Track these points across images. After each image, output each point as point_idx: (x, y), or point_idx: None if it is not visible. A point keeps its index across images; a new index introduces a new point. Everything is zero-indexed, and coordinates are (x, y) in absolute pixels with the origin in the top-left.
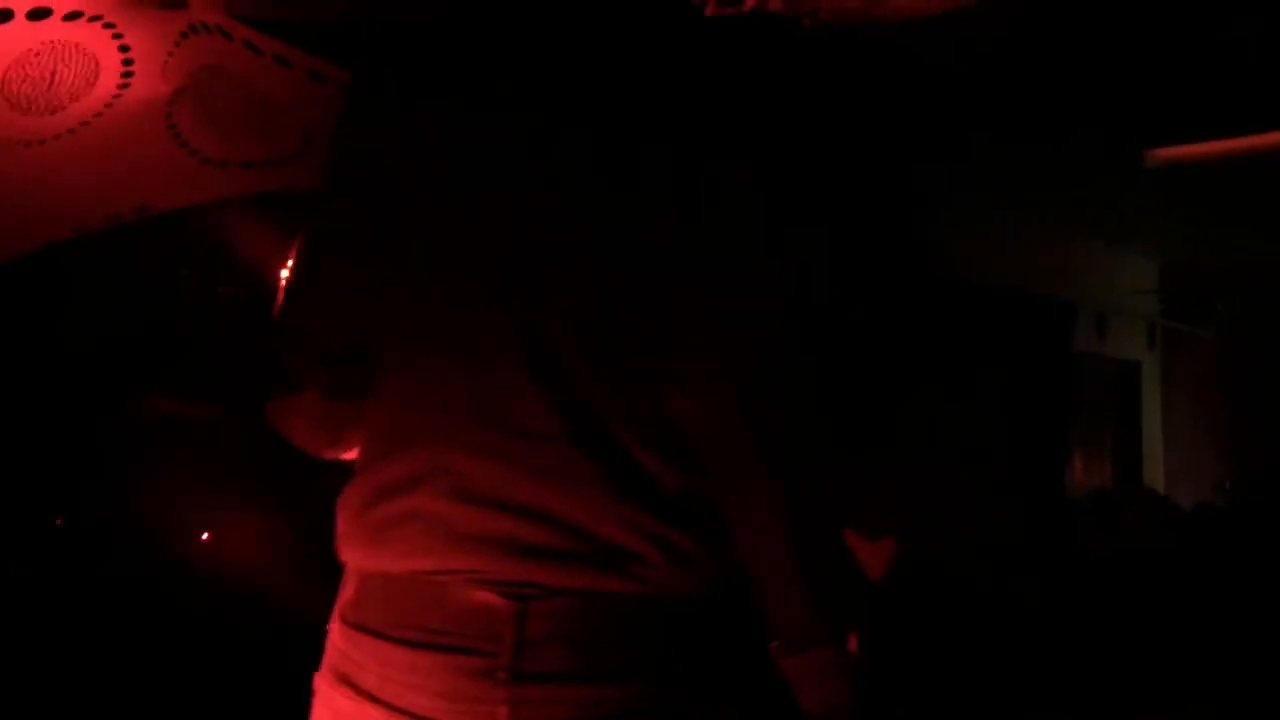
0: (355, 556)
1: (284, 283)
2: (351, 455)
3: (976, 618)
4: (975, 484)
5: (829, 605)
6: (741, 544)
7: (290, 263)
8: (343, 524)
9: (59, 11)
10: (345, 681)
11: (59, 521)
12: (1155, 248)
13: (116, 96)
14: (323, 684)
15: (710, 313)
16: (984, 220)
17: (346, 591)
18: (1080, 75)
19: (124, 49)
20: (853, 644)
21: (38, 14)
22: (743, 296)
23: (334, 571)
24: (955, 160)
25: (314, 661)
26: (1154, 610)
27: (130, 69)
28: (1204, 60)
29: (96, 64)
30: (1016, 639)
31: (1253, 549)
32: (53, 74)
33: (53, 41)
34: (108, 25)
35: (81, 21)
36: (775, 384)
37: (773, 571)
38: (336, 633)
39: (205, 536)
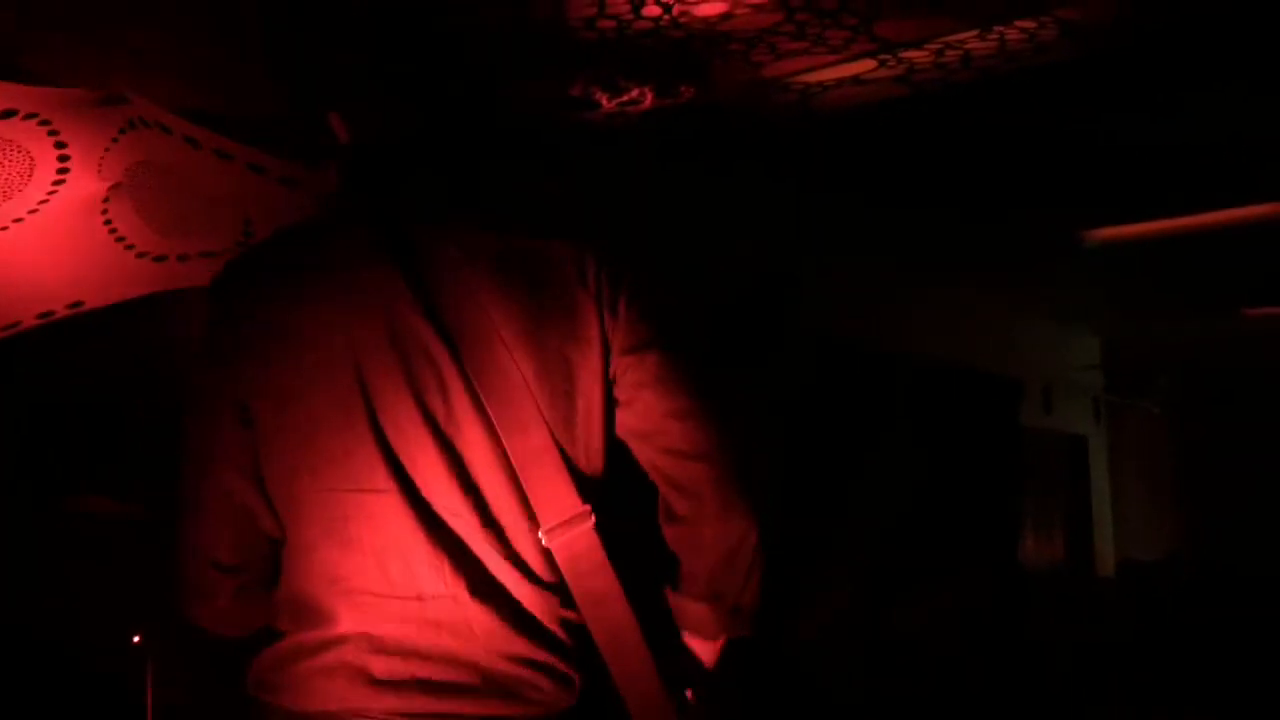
0: (277, 699)
1: (180, 503)
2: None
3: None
4: (926, 561)
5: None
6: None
7: (180, 484)
8: (262, 675)
9: None
10: None
11: None
12: (1098, 324)
13: (51, 192)
14: None
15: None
16: (932, 297)
17: None
18: (1021, 159)
19: (60, 145)
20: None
21: None
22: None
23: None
24: (907, 240)
25: None
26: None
27: (66, 165)
28: (1139, 145)
29: (31, 161)
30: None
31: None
32: None
33: None
34: (43, 122)
35: (16, 119)
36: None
37: (632, 681)
38: None
39: (137, 639)
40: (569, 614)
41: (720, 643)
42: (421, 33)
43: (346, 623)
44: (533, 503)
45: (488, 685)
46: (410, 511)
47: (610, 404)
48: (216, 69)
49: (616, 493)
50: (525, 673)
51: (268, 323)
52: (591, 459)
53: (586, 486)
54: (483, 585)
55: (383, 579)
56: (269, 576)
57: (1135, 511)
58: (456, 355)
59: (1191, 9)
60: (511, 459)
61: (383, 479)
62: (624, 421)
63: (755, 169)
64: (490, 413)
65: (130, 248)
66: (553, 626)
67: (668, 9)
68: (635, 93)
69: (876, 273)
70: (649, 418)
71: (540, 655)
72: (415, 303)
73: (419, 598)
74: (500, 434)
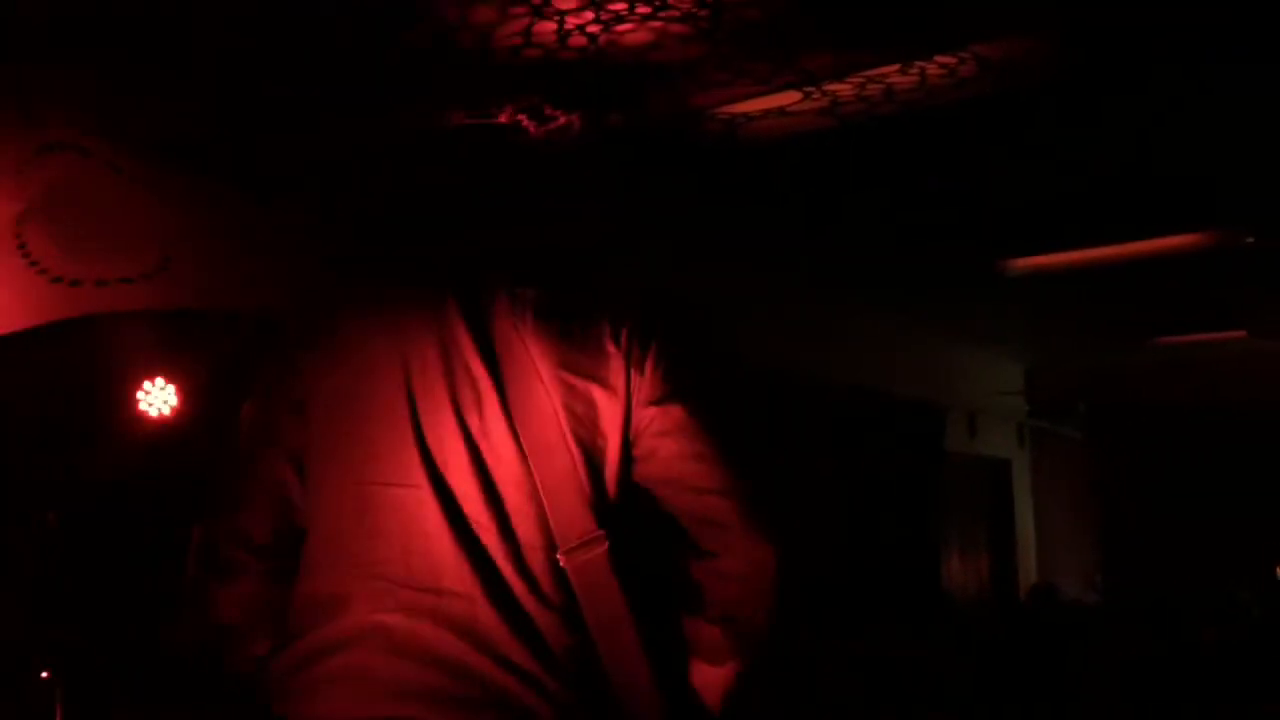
0: (290, 708)
1: (216, 477)
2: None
3: None
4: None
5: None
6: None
7: (220, 458)
8: (276, 683)
9: None
10: None
11: None
12: (1021, 351)
13: None
14: None
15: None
16: (857, 326)
17: None
18: (944, 190)
19: None
20: None
21: None
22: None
23: None
24: (833, 269)
25: None
26: None
27: None
28: (1058, 176)
29: None
30: None
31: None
32: None
33: None
34: None
35: None
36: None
37: (636, 705)
38: None
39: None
40: (573, 639)
41: (728, 670)
42: (344, 62)
43: (363, 610)
44: (552, 523)
45: (486, 696)
46: (440, 510)
47: (628, 449)
48: (142, 93)
49: (634, 534)
50: (521, 687)
51: (333, 332)
52: (609, 492)
53: (603, 516)
54: (497, 592)
55: (405, 569)
56: (293, 568)
57: (1057, 536)
58: (497, 379)
59: (1108, 47)
60: (536, 479)
61: (418, 476)
62: (649, 470)
63: (680, 197)
64: (520, 435)
65: (45, 272)
66: (555, 646)
67: (594, 39)
68: (563, 121)
69: (802, 301)
70: (672, 464)
71: (537, 670)
72: (467, 330)
73: (437, 591)
74: (528, 455)
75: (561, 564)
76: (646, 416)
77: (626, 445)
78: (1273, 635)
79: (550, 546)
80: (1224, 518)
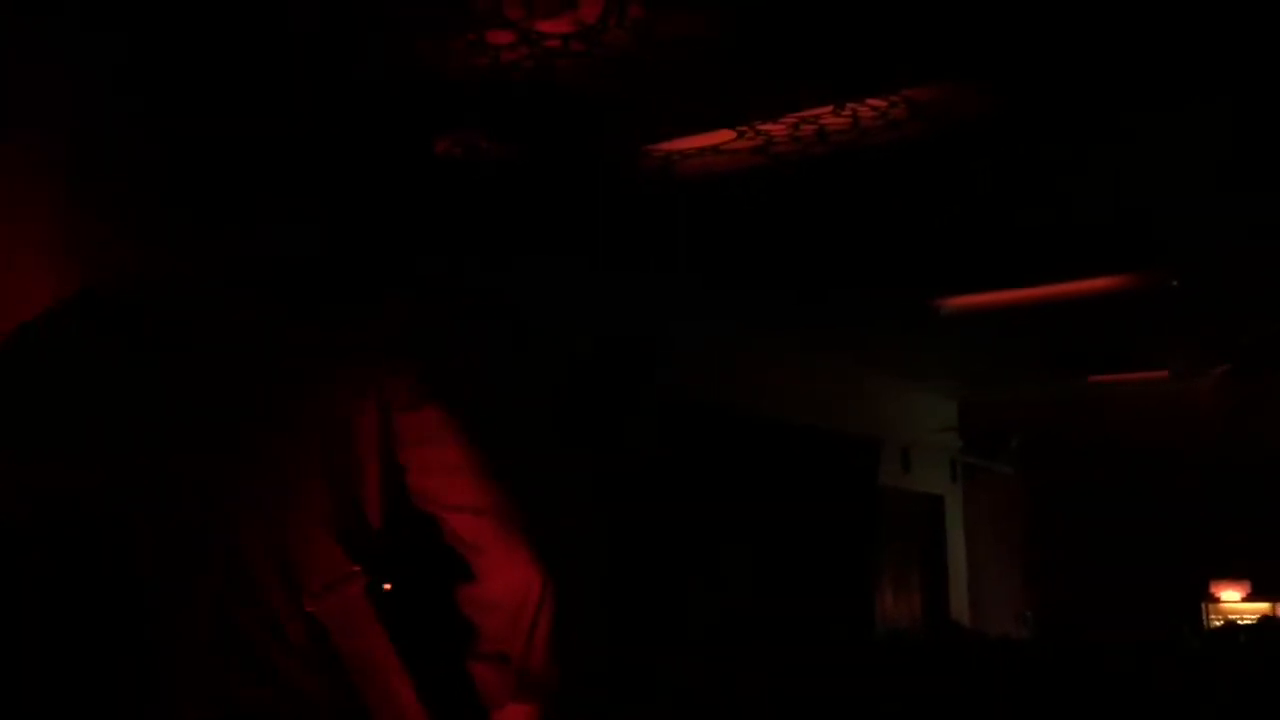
0: None
1: None
2: None
3: None
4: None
5: None
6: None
7: None
8: None
9: None
10: None
11: None
12: (954, 388)
13: None
14: None
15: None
16: (793, 361)
17: None
18: (877, 230)
19: None
20: None
21: None
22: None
23: None
24: (768, 306)
25: None
26: None
27: None
28: (987, 219)
29: None
30: None
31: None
32: None
33: None
34: None
35: None
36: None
37: None
38: None
39: None
40: (318, 685)
41: (510, 715)
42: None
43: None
44: (299, 562)
45: None
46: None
47: (390, 466)
48: None
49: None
50: None
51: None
52: (370, 521)
53: (360, 550)
54: (235, 639)
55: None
56: None
57: (988, 571)
58: (256, 404)
59: (1038, 95)
60: (281, 514)
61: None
62: (410, 483)
63: (615, 233)
64: (268, 466)
65: None
66: (301, 691)
67: (529, 74)
68: (498, 154)
69: (738, 337)
70: (428, 473)
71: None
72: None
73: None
74: (273, 487)
75: (307, 608)
76: (402, 424)
77: (388, 462)
78: (1209, 669)
79: (294, 587)
80: (1152, 554)
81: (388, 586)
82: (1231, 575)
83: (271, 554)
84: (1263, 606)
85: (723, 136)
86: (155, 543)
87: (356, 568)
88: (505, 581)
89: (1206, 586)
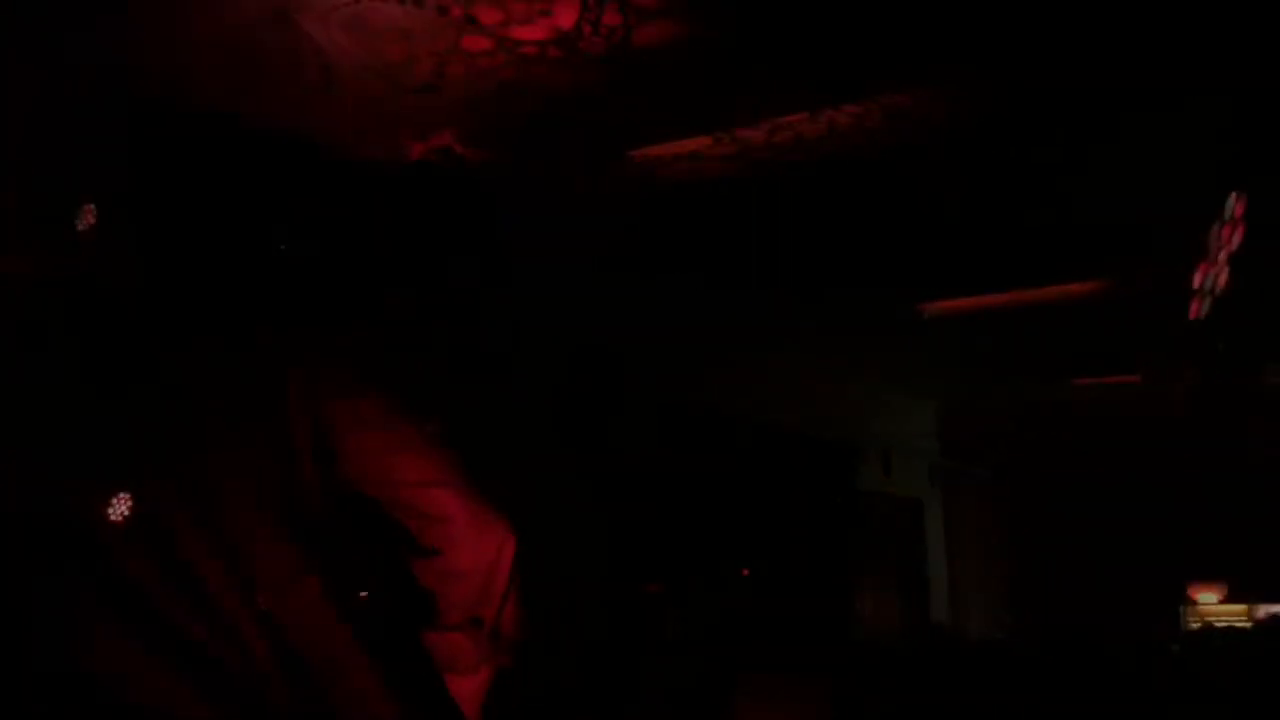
0: None
1: None
2: None
3: None
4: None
5: None
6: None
7: None
8: None
9: None
10: None
11: None
12: (935, 392)
13: None
14: None
15: None
16: (774, 365)
17: None
18: (858, 235)
19: None
20: None
21: None
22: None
23: None
24: (749, 310)
25: None
26: None
27: None
28: (969, 224)
29: None
30: None
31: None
32: None
33: None
34: None
35: None
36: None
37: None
38: None
39: None
40: (279, 684)
41: (482, 678)
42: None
43: None
44: (250, 561)
45: None
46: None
47: (322, 453)
48: None
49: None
50: None
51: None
52: (314, 515)
53: (312, 543)
54: (186, 646)
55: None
56: None
57: (967, 574)
58: (206, 409)
59: (1016, 101)
60: (229, 513)
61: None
62: (349, 471)
63: (596, 238)
64: (211, 466)
65: None
66: (261, 695)
67: (506, 81)
68: (474, 158)
69: (718, 342)
70: (370, 457)
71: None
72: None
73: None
74: (218, 487)
75: (261, 606)
76: (335, 410)
77: (319, 450)
78: (1191, 671)
79: (248, 587)
80: (1129, 558)
81: (364, 595)
82: (1209, 577)
83: (218, 554)
84: (1240, 608)
85: (699, 143)
86: (99, 543)
87: (311, 562)
88: (475, 548)
89: (1184, 589)
